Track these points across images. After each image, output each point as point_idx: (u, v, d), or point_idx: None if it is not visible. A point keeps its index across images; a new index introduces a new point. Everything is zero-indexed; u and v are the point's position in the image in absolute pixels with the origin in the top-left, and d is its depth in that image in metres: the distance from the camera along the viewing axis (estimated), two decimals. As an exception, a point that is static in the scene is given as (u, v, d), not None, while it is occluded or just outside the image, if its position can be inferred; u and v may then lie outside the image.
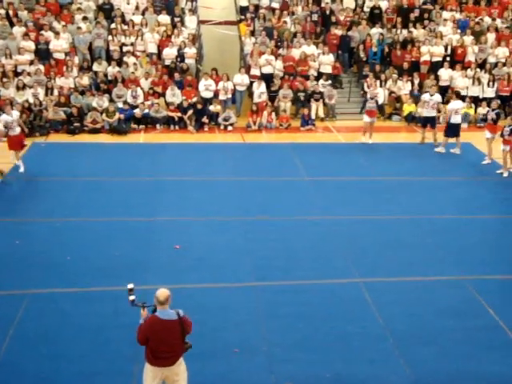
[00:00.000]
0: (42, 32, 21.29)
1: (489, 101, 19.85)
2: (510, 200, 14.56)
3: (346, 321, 9.45)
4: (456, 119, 17.67)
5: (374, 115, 18.68)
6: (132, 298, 6.95)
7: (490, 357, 8.69)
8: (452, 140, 17.92)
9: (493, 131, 16.83)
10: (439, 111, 18.99)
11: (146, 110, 19.84)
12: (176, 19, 22.74)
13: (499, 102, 18.63)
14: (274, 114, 20.48)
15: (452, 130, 17.83)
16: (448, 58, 22.42)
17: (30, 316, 9.35)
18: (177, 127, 19.91)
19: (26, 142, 16.24)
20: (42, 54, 20.95)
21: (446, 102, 20.20)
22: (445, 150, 17.98)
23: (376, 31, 23.01)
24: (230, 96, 21.01)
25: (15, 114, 15.96)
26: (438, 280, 10.75)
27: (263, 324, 9.31)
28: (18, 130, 15.70)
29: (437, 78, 21.79)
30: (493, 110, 17.18)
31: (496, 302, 10.02)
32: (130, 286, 6.99)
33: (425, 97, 18.79)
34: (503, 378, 8.30)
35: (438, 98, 18.54)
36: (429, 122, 18.59)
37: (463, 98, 20.31)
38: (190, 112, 19.97)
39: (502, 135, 15.90)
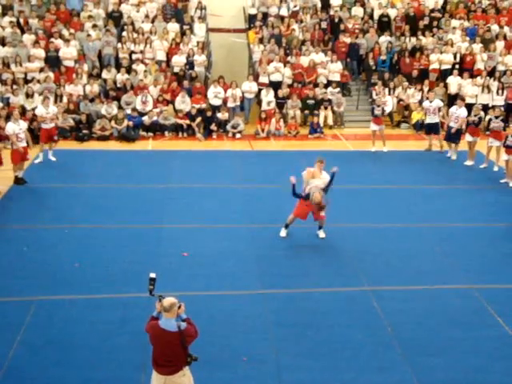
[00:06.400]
0: (52, 40, 21.43)
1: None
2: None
3: (354, 329, 9.40)
4: (452, 123, 17.79)
5: (380, 123, 18.57)
6: (151, 287, 6.87)
7: (499, 367, 8.59)
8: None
9: (475, 135, 17.25)
10: (443, 117, 18.94)
11: (155, 118, 19.89)
12: (185, 27, 22.88)
13: (481, 107, 18.88)
14: (282, 121, 20.50)
15: (448, 134, 17.96)
16: (457, 66, 22.38)
17: (38, 322, 9.34)
18: (185, 134, 19.95)
19: (29, 156, 15.21)
20: (52, 61, 21.08)
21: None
22: (456, 156, 18.04)
23: (385, 39, 23.03)
24: (238, 103, 21.05)
25: (23, 124, 15.08)
26: (447, 289, 10.68)
27: (271, 332, 9.27)
28: (24, 143, 14.81)
29: (446, 86, 21.78)
30: (475, 115, 17.40)
31: (506, 312, 9.93)
32: (152, 275, 6.89)
33: (425, 104, 18.84)
34: (513, 388, 8.23)
35: (437, 103, 18.50)
36: (432, 129, 18.59)
37: (471, 106, 20.26)
38: (199, 119, 20.01)
39: (504, 145, 15.79)
